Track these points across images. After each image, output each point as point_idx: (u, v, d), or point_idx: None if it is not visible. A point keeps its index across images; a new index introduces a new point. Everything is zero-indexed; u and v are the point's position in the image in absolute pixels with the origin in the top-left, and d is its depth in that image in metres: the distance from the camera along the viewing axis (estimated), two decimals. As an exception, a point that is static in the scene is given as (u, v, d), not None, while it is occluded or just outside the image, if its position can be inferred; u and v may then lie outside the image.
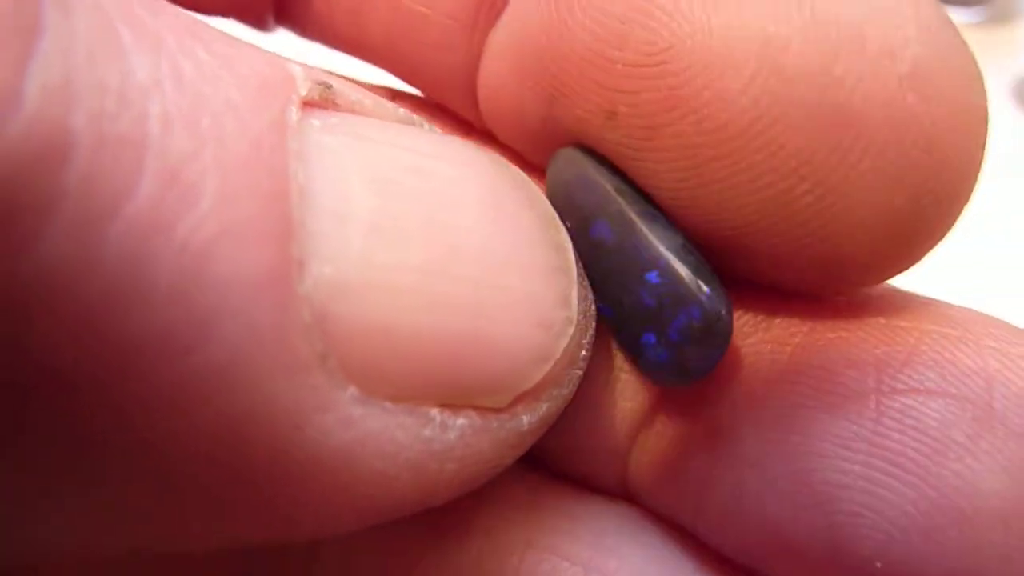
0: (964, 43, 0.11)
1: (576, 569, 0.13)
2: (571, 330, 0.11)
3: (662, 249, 0.12)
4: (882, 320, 0.12)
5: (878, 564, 0.11)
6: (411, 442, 0.10)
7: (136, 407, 0.08)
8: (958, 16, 0.52)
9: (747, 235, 0.11)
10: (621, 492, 0.15)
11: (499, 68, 0.14)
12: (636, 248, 0.12)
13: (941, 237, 0.11)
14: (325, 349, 0.09)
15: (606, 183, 0.12)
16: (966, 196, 0.11)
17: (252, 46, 0.10)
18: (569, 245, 0.12)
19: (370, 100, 0.11)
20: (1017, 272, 0.45)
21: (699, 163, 0.11)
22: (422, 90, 0.16)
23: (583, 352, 0.12)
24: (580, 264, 0.12)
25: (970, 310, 0.13)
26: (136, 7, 0.09)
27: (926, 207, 0.10)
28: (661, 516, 0.14)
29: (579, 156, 0.13)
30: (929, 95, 0.10)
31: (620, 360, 0.14)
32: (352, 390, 0.10)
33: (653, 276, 0.12)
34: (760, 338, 0.13)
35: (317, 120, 0.10)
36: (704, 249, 0.12)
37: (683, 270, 0.11)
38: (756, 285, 0.13)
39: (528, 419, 0.11)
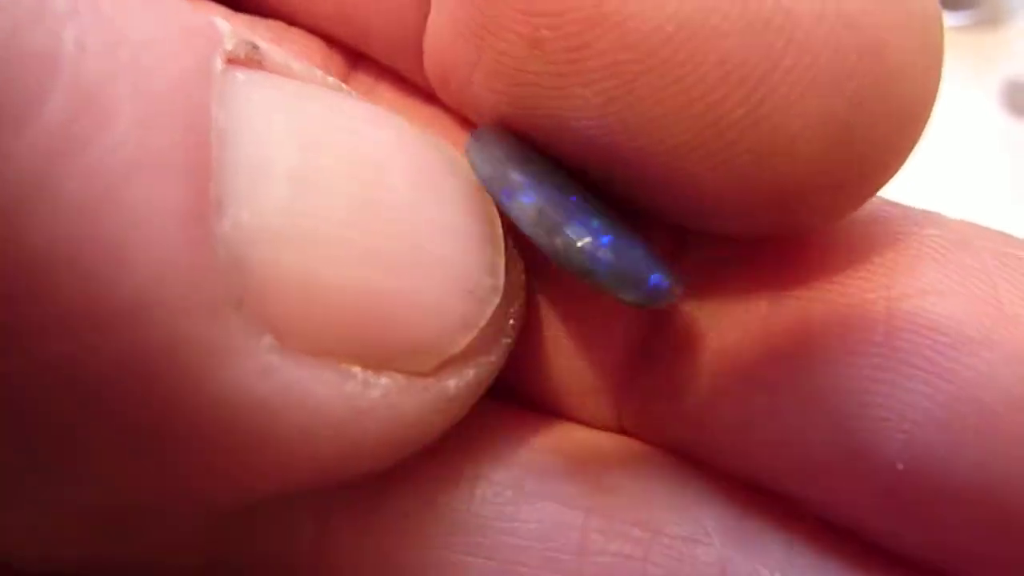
0: None
1: (576, 513, 0.13)
2: (497, 299, 0.12)
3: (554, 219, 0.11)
4: (882, 228, 0.12)
5: (900, 465, 0.11)
6: (332, 397, 0.10)
7: (40, 328, 0.08)
8: (946, 19, 0.52)
9: (681, 161, 0.11)
10: (616, 426, 0.14)
11: (438, 20, 0.13)
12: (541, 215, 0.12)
13: (895, 163, 0.11)
14: (241, 294, 0.09)
15: (498, 152, 0.12)
16: (922, 110, 0.10)
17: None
18: (498, 219, 0.12)
19: (298, 65, 0.11)
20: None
21: (626, 81, 0.10)
22: (376, 56, 0.16)
23: (511, 321, 0.12)
24: (510, 237, 0.12)
25: (963, 221, 0.13)
26: None
27: (872, 120, 0.10)
28: (661, 446, 0.14)
29: (482, 134, 0.13)
30: None
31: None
32: (268, 339, 0.09)
33: (559, 243, 0.11)
34: (761, 258, 0.13)
35: (242, 75, 0.10)
36: (642, 190, 0.12)
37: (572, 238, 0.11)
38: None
39: (455, 384, 0.11)
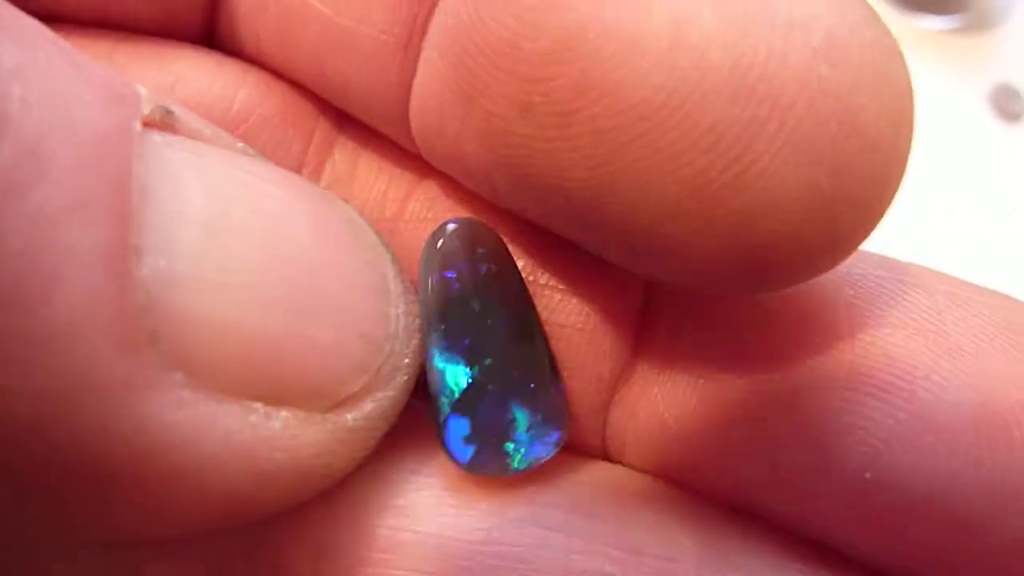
0: (877, 16, 0.11)
1: (558, 536, 0.14)
2: (390, 344, 0.13)
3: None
4: (843, 270, 0.13)
5: (867, 475, 0.12)
6: (239, 427, 0.11)
7: None
8: (935, 23, 0.53)
9: (665, 225, 0.11)
10: (600, 452, 0.15)
11: (426, 80, 0.14)
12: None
13: (870, 226, 0.11)
14: (157, 333, 0.10)
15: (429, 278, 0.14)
16: (895, 177, 0.11)
17: (105, 65, 0.11)
18: (392, 273, 0.13)
19: (210, 130, 0.12)
20: (997, 278, 0.45)
21: (614, 148, 0.11)
22: (353, 113, 0.16)
23: (407, 360, 0.13)
24: (406, 281, 0.13)
25: (922, 267, 0.14)
26: (5, 13, 0.10)
27: (850, 185, 0.10)
28: (643, 470, 0.15)
29: (432, 242, 0.14)
30: (844, 66, 0.10)
31: (594, 320, 0.14)
32: (180, 375, 0.10)
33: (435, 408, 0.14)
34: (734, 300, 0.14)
35: (158, 136, 0.11)
36: (620, 248, 0.12)
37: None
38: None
39: (353, 417, 0.12)
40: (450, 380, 0.13)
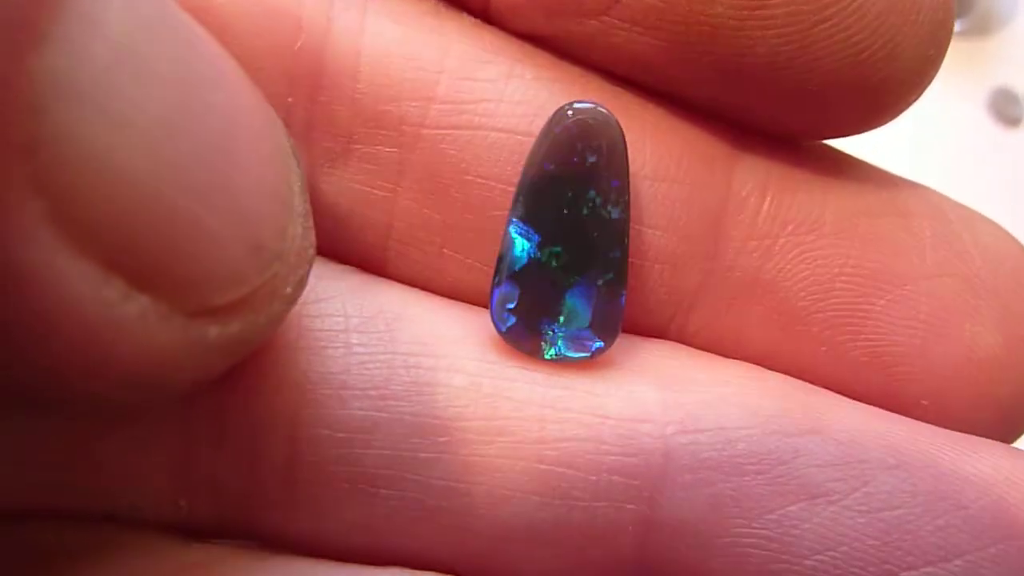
0: None
1: (532, 407, 0.15)
2: (278, 264, 0.12)
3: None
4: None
5: (924, 402, 0.16)
6: (87, 295, 0.10)
7: None
8: (937, 27, 0.53)
9: (820, 85, 0.14)
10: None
11: None
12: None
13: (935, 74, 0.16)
14: (36, 143, 0.09)
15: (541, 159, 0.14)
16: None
17: None
18: (299, 188, 0.12)
19: None
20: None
21: (803, 28, 0.14)
22: None
23: (288, 289, 0.12)
24: (308, 204, 0.12)
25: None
26: None
27: (938, 52, 0.15)
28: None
29: (557, 124, 0.15)
30: None
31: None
32: (42, 205, 0.09)
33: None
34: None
35: None
36: (773, 104, 0.15)
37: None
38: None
39: (216, 332, 0.11)
40: (516, 250, 0.14)
